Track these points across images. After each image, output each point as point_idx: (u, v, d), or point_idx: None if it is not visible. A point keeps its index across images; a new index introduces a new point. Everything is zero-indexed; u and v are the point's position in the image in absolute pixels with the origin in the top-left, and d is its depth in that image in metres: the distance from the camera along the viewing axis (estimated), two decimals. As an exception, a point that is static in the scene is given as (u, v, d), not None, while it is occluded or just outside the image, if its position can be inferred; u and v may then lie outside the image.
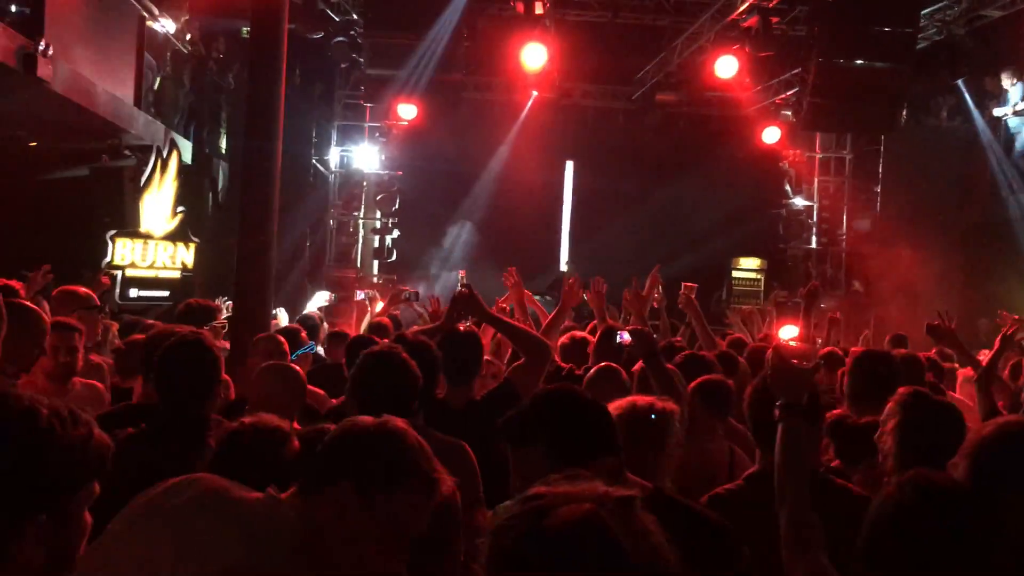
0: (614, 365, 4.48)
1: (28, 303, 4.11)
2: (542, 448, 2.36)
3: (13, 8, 9.15)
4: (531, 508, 1.34)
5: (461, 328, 4.53)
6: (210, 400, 3.26)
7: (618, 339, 5.53)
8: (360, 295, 8.57)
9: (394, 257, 16.06)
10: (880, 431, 3.10)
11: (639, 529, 1.31)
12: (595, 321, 6.50)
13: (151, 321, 6.45)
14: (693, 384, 4.17)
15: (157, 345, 3.49)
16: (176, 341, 3.33)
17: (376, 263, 16.28)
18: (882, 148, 16.30)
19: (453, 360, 4.03)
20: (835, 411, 3.95)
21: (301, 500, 2.03)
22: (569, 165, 17.77)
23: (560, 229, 17.65)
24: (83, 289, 5.37)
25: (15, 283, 5.67)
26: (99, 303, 5.49)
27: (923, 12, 13.58)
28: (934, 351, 7.05)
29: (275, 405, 3.41)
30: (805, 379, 2.70)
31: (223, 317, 7.21)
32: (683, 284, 6.68)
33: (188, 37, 13.46)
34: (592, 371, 4.42)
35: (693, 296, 6.54)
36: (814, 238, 17.05)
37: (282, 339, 5.12)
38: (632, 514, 1.33)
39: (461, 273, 5.42)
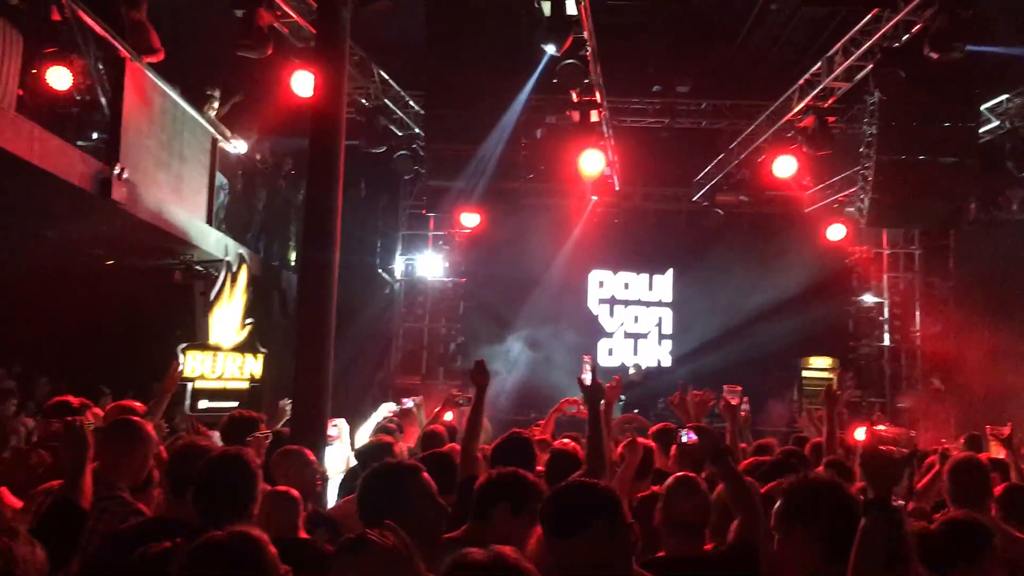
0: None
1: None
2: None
3: (95, 135, 9.73)
4: None
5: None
6: (246, 518, 3.20)
7: (683, 439, 5.35)
8: (408, 403, 8.45)
9: (459, 363, 16.13)
10: None
11: None
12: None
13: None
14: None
15: (179, 461, 3.52)
16: (215, 457, 3.37)
17: (442, 370, 16.37)
18: (951, 243, 15.98)
19: None
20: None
21: None
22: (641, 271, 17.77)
23: (624, 331, 17.53)
24: (135, 405, 5.51)
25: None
26: (143, 408, 5.58)
27: (984, 106, 13.51)
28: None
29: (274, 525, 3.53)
30: (897, 469, 2.51)
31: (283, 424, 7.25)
32: (724, 387, 6.26)
33: (259, 156, 14.04)
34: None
35: (735, 400, 6.13)
36: (887, 335, 16.64)
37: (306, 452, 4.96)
38: None
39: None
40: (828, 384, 6.17)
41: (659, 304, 17.29)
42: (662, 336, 17.24)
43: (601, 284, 17.21)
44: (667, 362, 16.95)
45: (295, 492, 4.08)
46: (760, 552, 3.34)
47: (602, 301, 17.21)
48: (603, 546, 2.52)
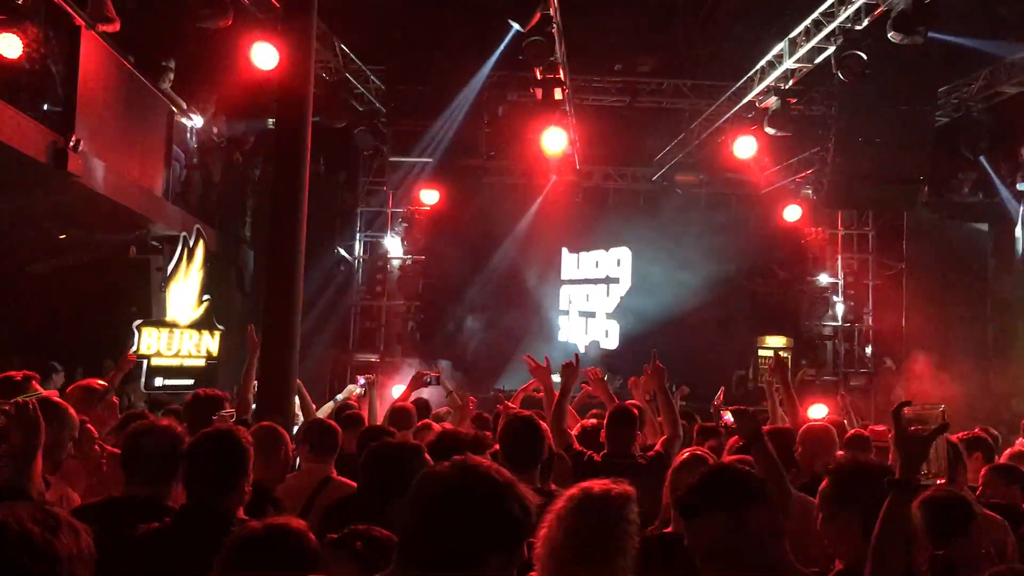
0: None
1: (60, 400, 4.12)
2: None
3: (46, 107, 9.43)
4: None
5: None
6: (235, 495, 3.21)
7: (722, 419, 5.55)
8: (361, 381, 8.29)
9: (418, 339, 16.06)
10: None
11: None
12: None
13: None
14: None
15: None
16: (205, 434, 3.34)
17: (400, 347, 16.27)
18: (905, 224, 16.25)
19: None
20: None
21: None
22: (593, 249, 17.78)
23: (578, 310, 17.57)
24: (97, 382, 5.37)
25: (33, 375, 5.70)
26: (105, 385, 5.45)
27: (940, 90, 13.69)
28: (978, 429, 6.88)
29: None
30: (924, 449, 2.49)
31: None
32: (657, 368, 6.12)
33: (215, 130, 13.76)
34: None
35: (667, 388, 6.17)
36: (840, 315, 16.90)
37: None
38: None
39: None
40: (775, 354, 6.24)
41: (613, 282, 17.33)
42: (613, 315, 17.27)
43: (561, 262, 17.23)
44: (617, 341, 16.99)
45: None
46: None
47: (564, 281, 17.25)
48: None
